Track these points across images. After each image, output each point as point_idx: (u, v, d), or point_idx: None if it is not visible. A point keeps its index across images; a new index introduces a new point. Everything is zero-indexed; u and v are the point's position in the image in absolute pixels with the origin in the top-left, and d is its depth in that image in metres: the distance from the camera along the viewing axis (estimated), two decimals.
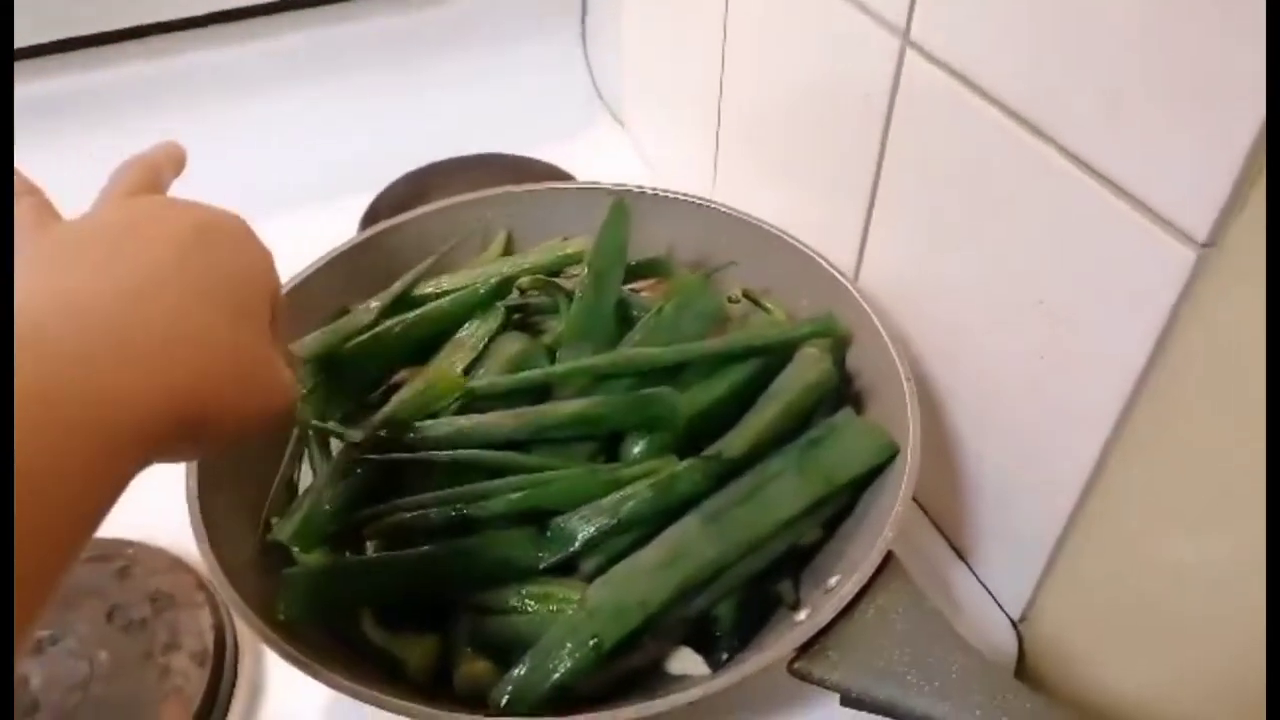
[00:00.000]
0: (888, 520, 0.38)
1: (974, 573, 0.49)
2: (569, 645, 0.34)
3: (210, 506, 0.39)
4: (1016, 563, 0.45)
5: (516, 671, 0.34)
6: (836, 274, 0.48)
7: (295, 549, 0.39)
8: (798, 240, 0.50)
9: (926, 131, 0.43)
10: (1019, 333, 0.41)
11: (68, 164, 0.71)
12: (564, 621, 0.35)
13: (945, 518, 0.50)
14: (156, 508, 0.46)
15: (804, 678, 0.35)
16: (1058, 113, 0.35)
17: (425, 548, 0.37)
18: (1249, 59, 0.27)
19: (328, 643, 0.37)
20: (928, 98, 0.42)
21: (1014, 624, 0.47)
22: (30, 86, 0.68)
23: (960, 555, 0.50)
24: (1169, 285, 0.33)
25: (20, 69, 0.67)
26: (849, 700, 0.35)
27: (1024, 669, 0.47)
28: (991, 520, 0.47)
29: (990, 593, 0.48)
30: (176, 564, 0.47)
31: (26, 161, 0.72)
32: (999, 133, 0.38)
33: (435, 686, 0.37)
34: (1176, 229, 0.32)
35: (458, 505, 0.37)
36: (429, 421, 0.40)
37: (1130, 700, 0.42)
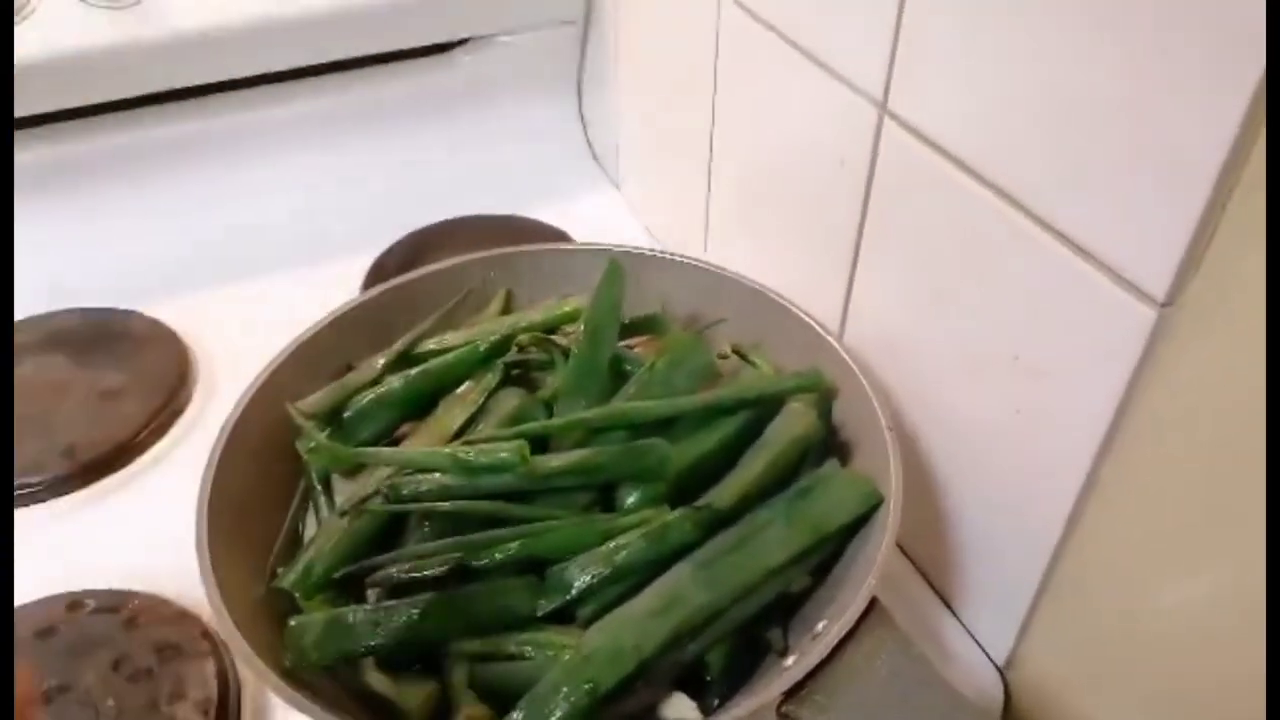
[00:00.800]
0: (873, 568, 0.39)
1: (959, 619, 0.50)
2: (565, 690, 0.35)
3: (218, 556, 0.40)
4: (1000, 609, 0.47)
5: (514, 716, 0.35)
6: (822, 331, 0.50)
7: (299, 596, 0.41)
8: (785, 299, 0.52)
9: (905, 196, 0.46)
10: (996, 387, 0.43)
11: (72, 225, 0.74)
12: (560, 666, 0.36)
13: (930, 566, 0.52)
14: (162, 559, 0.48)
15: None
16: (1026, 180, 0.38)
17: (426, 596, 0.38)
18: (1204, 129, 0.30)
19: (331, 689, 0.39)
20: (905, 164, 0.45)
21: (999, 670, 0.48)
22: (39, 151, 0.71)
23: (945, 602, 0.51)
24: (1133, 342, 0.35)
25: (31, 135, 0.70)
26: None
27: (1010, 716, 0.48)
28: (974, 568, 0.48)
29: (975, 639, 0.49)
30: (182, 614, 0.48)
31: (40, 223, 0.75)
32: (971, 198, 0.40)
33: None
34: (1138, 290, 0.34)
35: (458, 555, 0.39)
36: (429, 475, 0.41)
37: None
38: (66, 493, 0.56)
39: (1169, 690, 0.39)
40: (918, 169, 0.44)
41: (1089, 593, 0.41)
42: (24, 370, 0.62)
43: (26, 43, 0.63)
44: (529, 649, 0.38)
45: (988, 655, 0.48)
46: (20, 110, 0.67)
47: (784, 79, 0.54)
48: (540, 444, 0.43)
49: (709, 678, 0.39)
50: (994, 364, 0.42)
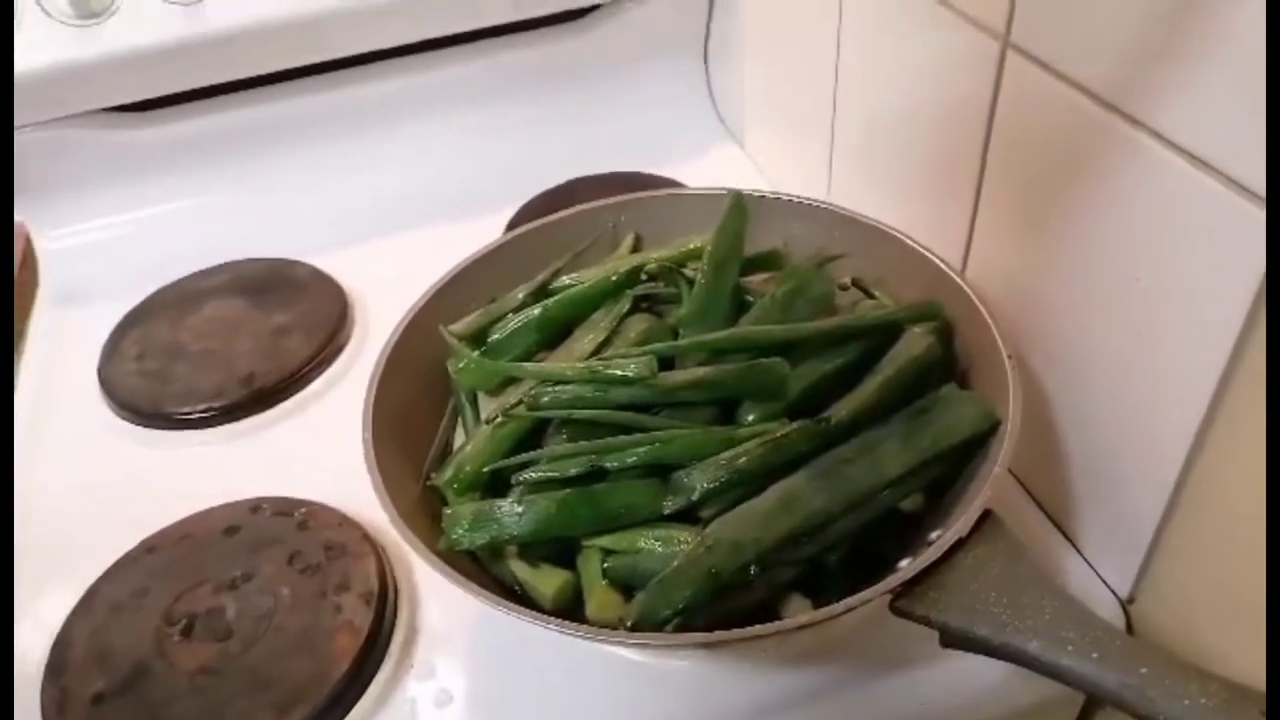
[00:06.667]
0: (988, 480, 0.41)
1: (1080, 553, 0.50)
2: (689, 574, 0.38)
3: (382, 458, 0.45)
4: (1121, 541, 0.47)
5: (643, 596, 0.39)
6: (944, 266, 0.51)
7: (450, 494, 0.45)
8: (906, 236, 0.53)
9: (1027, 129, 0.46)
10: (1117, 311, 0.43)
11: (250, 186, 0.82)
12: (685, 554, 0.39)
13: (1050, 500, 0.52)
14: (327, 475, 0.54)
15: (905, 615, 0.38)
16: (1149, 98, 0.38)
17: (563, 492, 0.42)
18: None
19: (476, 576, 0.43)
20: (1028, 97, 0.45)
21: (1122, 604, 0.48)
22: (236, 116, 0.79)
23: (1067, 537, 0.51)
24: (1256, 252, 0.35)
25: (228, 101, 0.78)
26: (947, 638, 0.37)
27: None
28: (1094, 500, 0.48)
29: (1097, 572, 0.49)
30: (346, 520, 0.54)
31: (220, 186, 0.84)
32: (1095, 123, 0.41)
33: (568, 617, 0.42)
34: (1259, 197, 0.34)
35: (592, 457, 0.42)
36: (566, 386, 0.45)
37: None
38: (246, 416, 0.63)
39: None
40: (1041, 100, 0.44)
41: (1215, 522, 0.41)
42: (209, 310, 0.70)
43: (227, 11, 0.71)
44: (656, 544, 0.41)
45: (1110, 589, 0.48)
46: (228, 76, 0.76)
47: (907, 24, 0.55)
48: (667, 364, 0.46)
49: (825, 580, 0.42)
50: (1115, 288, 0.43)
